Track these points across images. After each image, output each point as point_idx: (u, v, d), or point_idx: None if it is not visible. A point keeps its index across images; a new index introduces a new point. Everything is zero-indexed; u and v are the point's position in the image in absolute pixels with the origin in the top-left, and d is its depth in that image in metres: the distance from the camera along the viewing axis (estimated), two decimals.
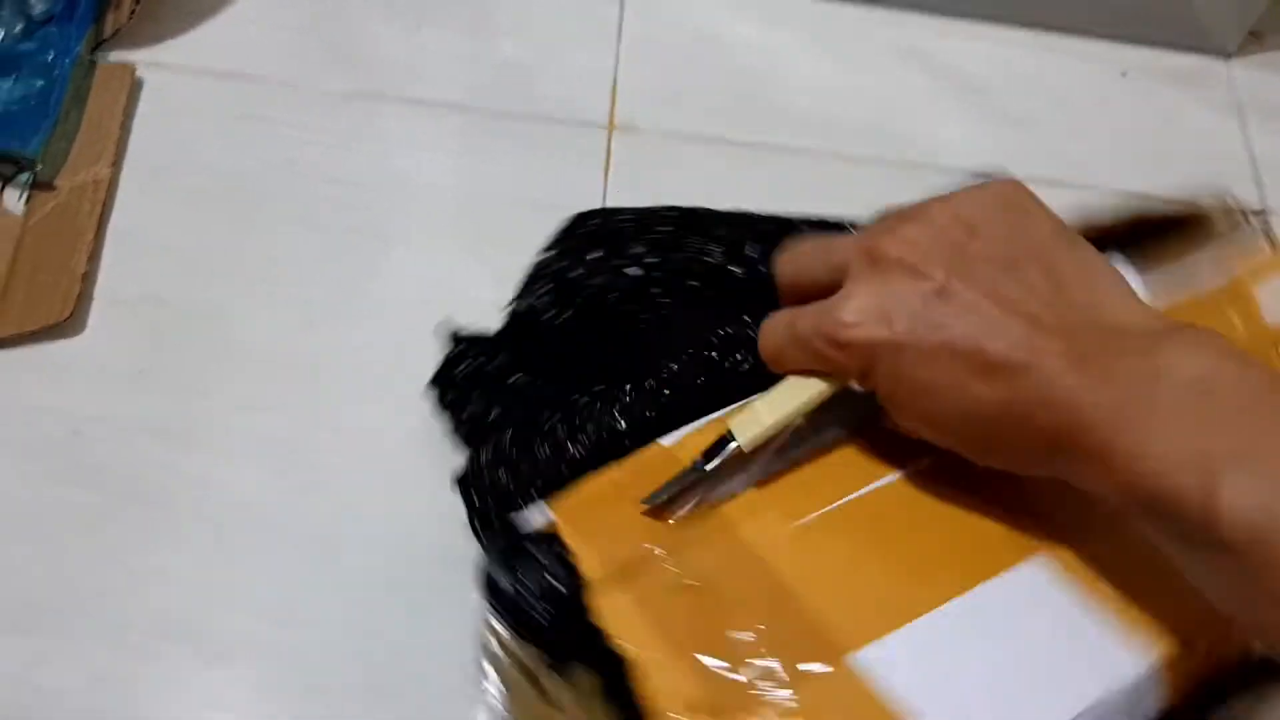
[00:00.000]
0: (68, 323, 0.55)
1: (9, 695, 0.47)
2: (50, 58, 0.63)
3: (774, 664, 0.39)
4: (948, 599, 0.41)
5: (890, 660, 0.39)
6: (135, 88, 0.64)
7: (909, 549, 0.43)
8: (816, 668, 0.39)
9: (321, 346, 0.57)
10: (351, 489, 0.53)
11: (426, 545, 0.50)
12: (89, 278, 0.57)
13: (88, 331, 0.56)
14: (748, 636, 0.40)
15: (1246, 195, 0.71)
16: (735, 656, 0.40)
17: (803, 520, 0.44)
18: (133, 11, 0.65)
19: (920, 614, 0.41)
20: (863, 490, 0.44)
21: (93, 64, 0.64)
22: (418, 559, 0.51)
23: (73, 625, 0.48)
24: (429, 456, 0.52)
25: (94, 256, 0.57)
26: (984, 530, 0.43)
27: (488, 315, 0.56)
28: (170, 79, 0.65)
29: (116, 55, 0.65)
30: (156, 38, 0.67)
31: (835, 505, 0.44)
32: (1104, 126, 0.74)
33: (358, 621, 0.50)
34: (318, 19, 0.70)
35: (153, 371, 0.55)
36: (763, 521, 0.44)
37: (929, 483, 0.45)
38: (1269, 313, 0.50)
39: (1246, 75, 0.77)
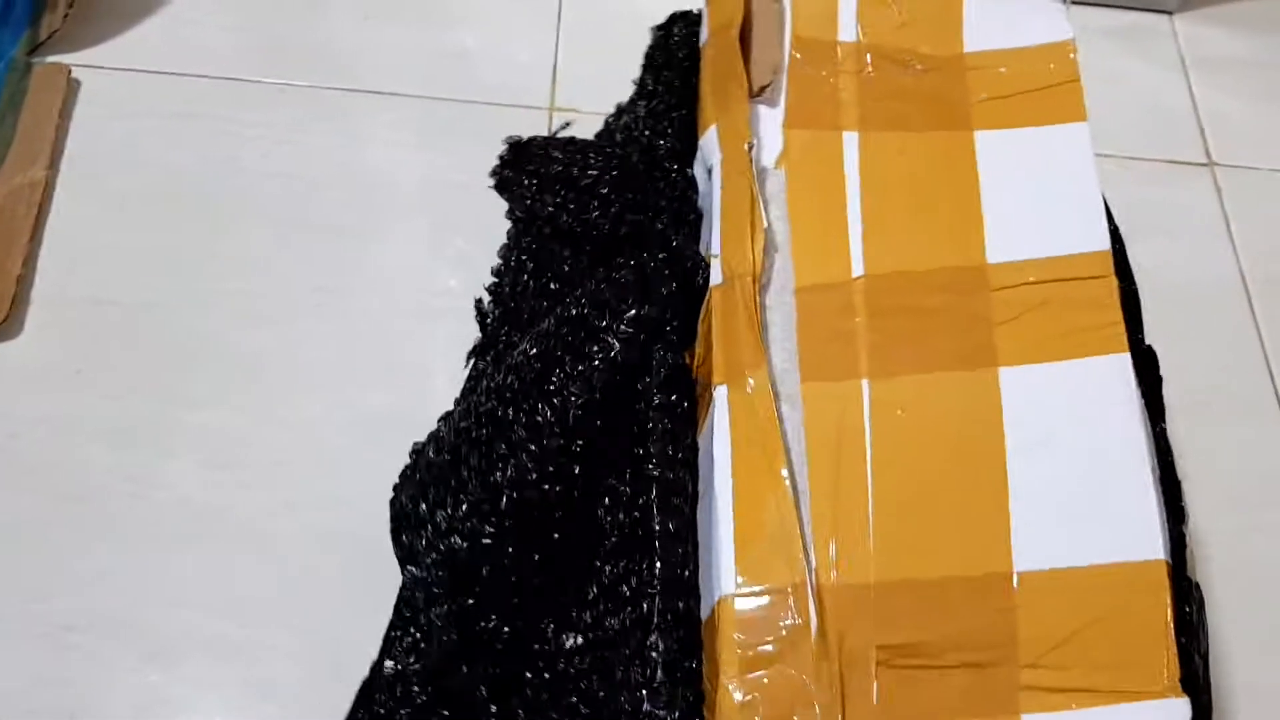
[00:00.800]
0: (3, 326, 0.55)
1: None
2: None
3: None
4: None
5: None
6: (71, 89, 0.64)
7: None
8: None
9: (264, 342, 0.57)
10: (293, 482, 0.53)
11: (369, 537, 0.50)
12: (25, 280, 0.57)
13: (24, 334, 0.56)
14: None
15: (1192, 149, 0.72)
16: None
17: None
18: (66, 14, 0.65)
19: None
20: None
21: (28, 67, 0.64)
22: (359, 550, 0.51)
23: (12, 627, 0.49)
24: (372, 448, 0.52)
25: (30, 259, 0.57)
26: None
27: (446, 302, 0.56)
28: (107, 80, 0.65)
29: (53, 58, 0.65)
30: (93, 40, 0.67)
31: None
32: None
33: (300, 614, 0.50)
34: (257, 17, 0.69)
35: (91, 372, 0.55)
36: None
37: None
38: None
39: (1189, 30, 0.77)
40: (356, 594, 0.50)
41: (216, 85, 0.66)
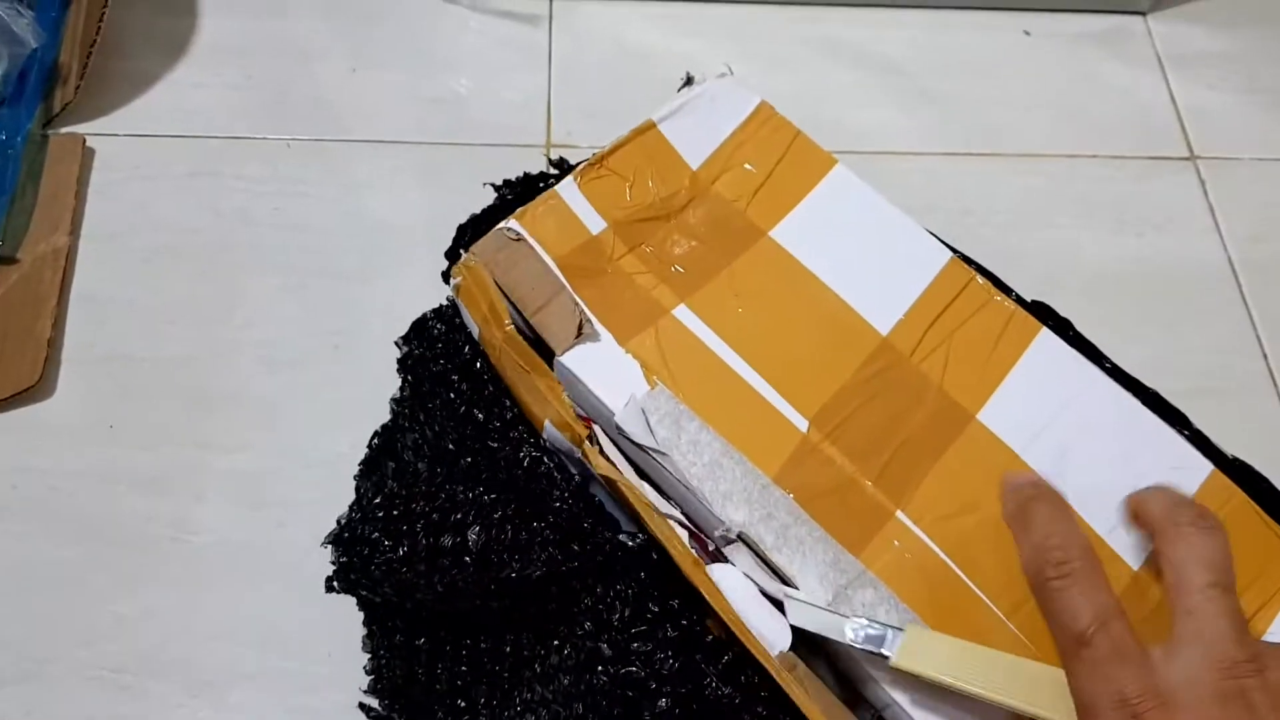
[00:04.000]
0: (37, 387, 0.57)
1: None
2: (2, 138, 0.66)
3: None
4: None
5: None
6: (87, 157, 0.67)
7: None
8: None
9: (286, 386, 0.59)
10: (324, 516, 0.54)
11: None
12: (55, 342, 0.59)
13: (58, 393, 0.58)
14: None
15: (1174, 145, 0.74)
16: None
17: None
18: (78, 86, 0.68)
19: None
20: None
21: (45, 139, 0.67)
22: None
23: (64, 672, 0.50)
24: None
25: (59, 321, 0.60)
26: None
27: None
28: (120, 146, 0.68)
29: (67, 129, 0.68)
30: (103, 109, 0.69)
31: None
32: (1027, 93, 0.76)
33: (338, 643, 0.52)
34: (256, 75, 0.72)
35: (123, 425, 0.57)
36: None
37: None
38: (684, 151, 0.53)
39: (1163, 29, 0.79)
40: None
41: (224, 144, 0.69)
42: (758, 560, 0.43)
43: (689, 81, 0.56)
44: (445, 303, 0.52)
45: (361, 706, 0.50)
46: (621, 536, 0.46)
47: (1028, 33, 0.78)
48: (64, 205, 0.64)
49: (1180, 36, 0.79)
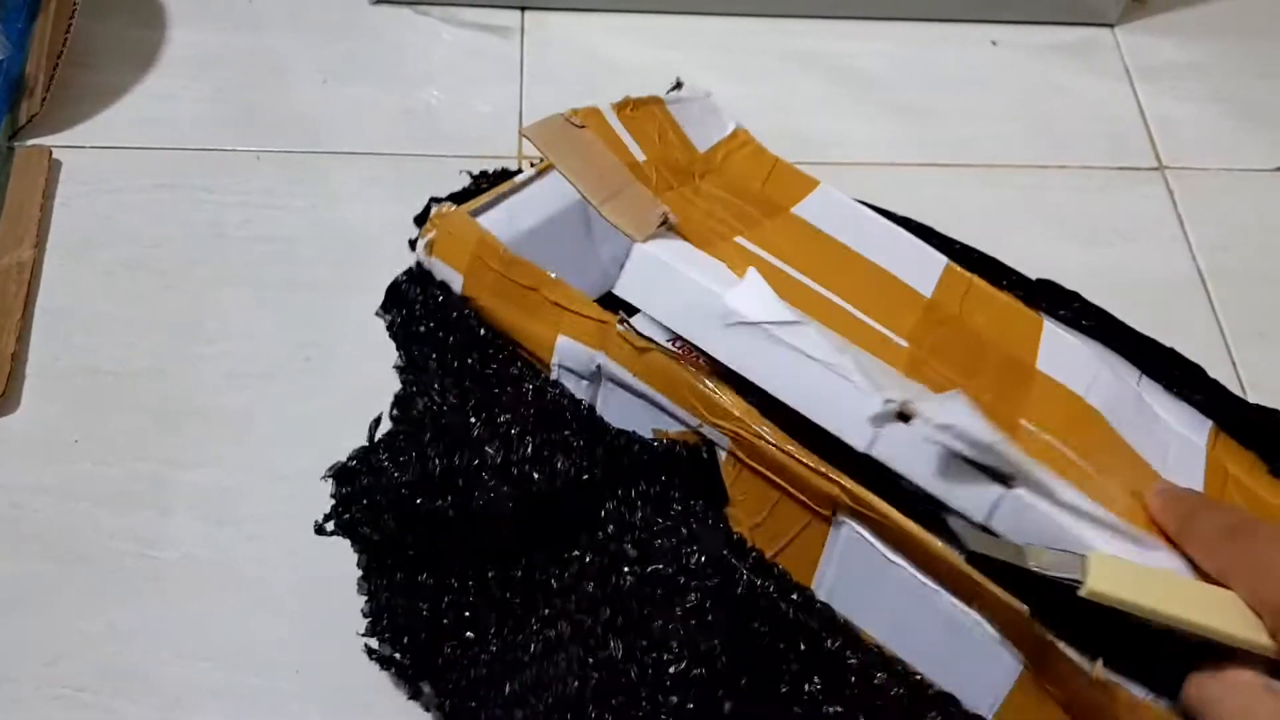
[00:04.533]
0: (1, 401, 0.56)
1: None
2: None
3: None
4: None
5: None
6: (53, 170, 0.66)
7: None
8: None
9: (256, 399, 0.58)
10: (293, 533, 0.54)
11: None
12: (19, 356, 0.58)
13: (22, 408, 0.57)
14: None
15: (1143, 155, 0.74)
16: None
17: None
18: (44, 98, 0.67)
19: None
20: None
21: (10, 151, 0.66)
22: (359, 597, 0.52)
23: (28, 691, 0.50)
24: None
25: (23, 336, 0.59)
26: None
27: None
28: (87, 158, 0.67)
29: (33, 141, 0.67)
30: (71, 121, 0.69)
31: None
32: (995, 105, 0.76)
33: (306, 658, 0.51)
34: (227, 87, 0.72)
35: (88, 439, 0.56)
36: None
37: None
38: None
39: (1131, 40, 0.80)
40: (355, 637, 0.51)
41: (193, 156, 0.68)
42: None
43: (678, 87, 0.56)
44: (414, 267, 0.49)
45: (366, 650, 0.48)
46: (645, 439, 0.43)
47: (995, 43, 0.79)
48: (29, 218, 0.63)
49: (1148, 48, 0.79)
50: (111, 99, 0.70)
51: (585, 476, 0.42)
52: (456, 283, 0.46)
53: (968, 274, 0.51)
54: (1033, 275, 0.60)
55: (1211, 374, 0.64)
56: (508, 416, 0.43)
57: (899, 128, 0.74)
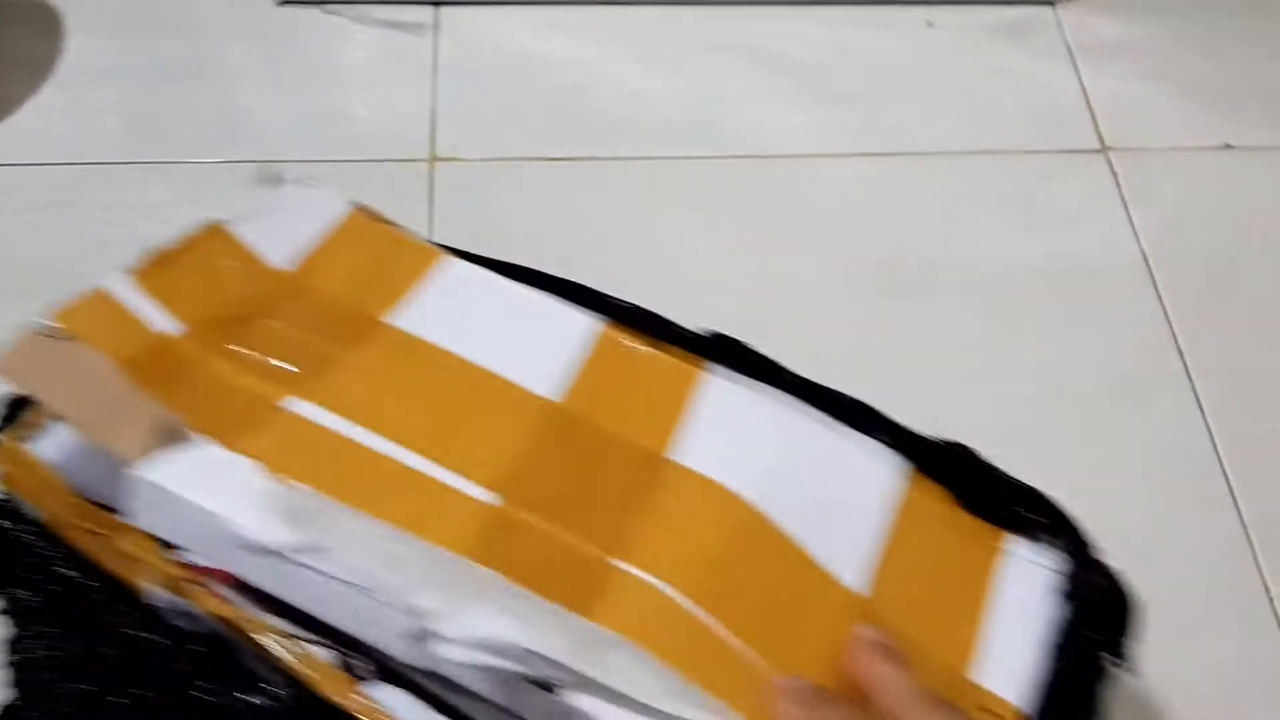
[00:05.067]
0: None
1: None
2: None
3: None
4: None
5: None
6: None
7: None
8: None
9: None
10: None
11: None
12: None
13: None
14: None
15: (1085, 137, 0.71)
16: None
17: None
18: None
19: None
20: None
21: None
22: None
23: None
24: None
25: None
26: None
27: None
28: None
29: None
30: None
31: None
32: (931, 89, 0.73)
33: None
34: (125, 97, 0.69)
35: None
36: None
37: None
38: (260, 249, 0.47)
39: (1072, 19, 0.77)
40: None
41: (88, 171, 0.65)
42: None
43: (272, 180, 0.51)
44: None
45: None
46: (249, 695, 0.38)
47: (931, 24, 0.76)
48: None
49: (1090, 26, 0.76)
50: (4, 113, 0.67)
51: None
52: (40, 514, 0.41)
53: (624, 338, 0.45)
54: (978, 264, 0.57)
55: (1158, 366, 0.61)
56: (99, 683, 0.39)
57: (833, 117, 0.71)
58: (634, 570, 0.37)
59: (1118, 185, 0.69)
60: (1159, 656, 0.52)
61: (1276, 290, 0.64)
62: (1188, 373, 0.61)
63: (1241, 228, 0.67)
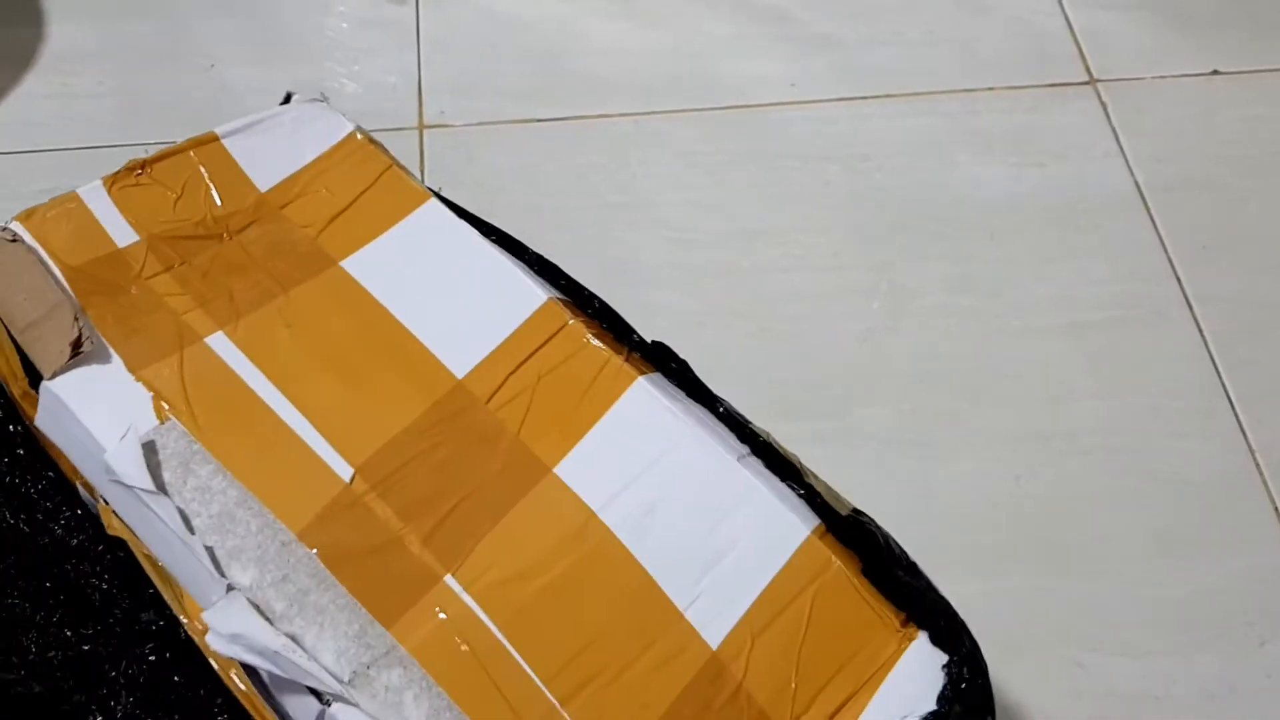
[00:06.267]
0: None
1: None
2: None
3: None
4: None
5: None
6: None
7: None
8: None
9: None
10: None
11: None
12: None
13: None
14: None
15: (1073, 70, 0.71)
16: None
17: None
18: None
19: None
20: None
21: None
22: None
23: None
24: None
25: None
26: None
27: None
28: None
29: None
30: None
31: None
32: (915, 29, 0.73)
33: None
34: (109, 81, 0.68)
35: None
36: None
37: None
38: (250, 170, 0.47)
39: None
40: None
41: (78, 156, 0.65)
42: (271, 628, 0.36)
43: (288, 99, 0.51)
44: None
45: None
46: (145, 614, 0.39)
47: None
48: None
49: None
50: None
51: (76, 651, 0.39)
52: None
53: (565, 314, 0.44)
54: (974, 202, 0.57)
55: (1155, 294, 0.62)
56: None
57: (815, 62, 0.71)
58: (456, 587, 0.37)
59: (1108, 116, 0.69)
60: (1171, 577, 0.53)
61: (1270, 213, 0.64)
62: (1187, 300, 0.61)
63: (1233, 152, 0.67)
